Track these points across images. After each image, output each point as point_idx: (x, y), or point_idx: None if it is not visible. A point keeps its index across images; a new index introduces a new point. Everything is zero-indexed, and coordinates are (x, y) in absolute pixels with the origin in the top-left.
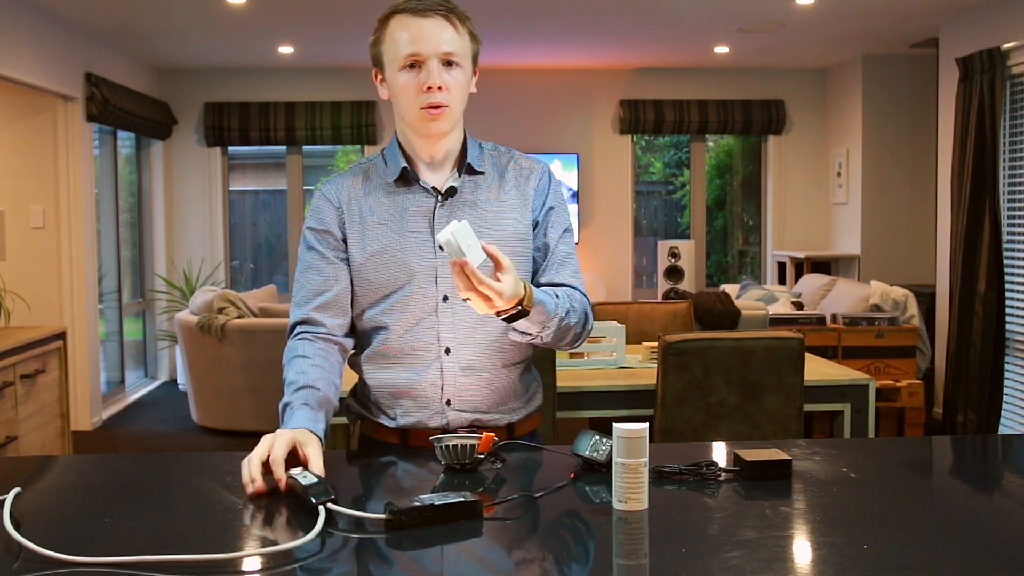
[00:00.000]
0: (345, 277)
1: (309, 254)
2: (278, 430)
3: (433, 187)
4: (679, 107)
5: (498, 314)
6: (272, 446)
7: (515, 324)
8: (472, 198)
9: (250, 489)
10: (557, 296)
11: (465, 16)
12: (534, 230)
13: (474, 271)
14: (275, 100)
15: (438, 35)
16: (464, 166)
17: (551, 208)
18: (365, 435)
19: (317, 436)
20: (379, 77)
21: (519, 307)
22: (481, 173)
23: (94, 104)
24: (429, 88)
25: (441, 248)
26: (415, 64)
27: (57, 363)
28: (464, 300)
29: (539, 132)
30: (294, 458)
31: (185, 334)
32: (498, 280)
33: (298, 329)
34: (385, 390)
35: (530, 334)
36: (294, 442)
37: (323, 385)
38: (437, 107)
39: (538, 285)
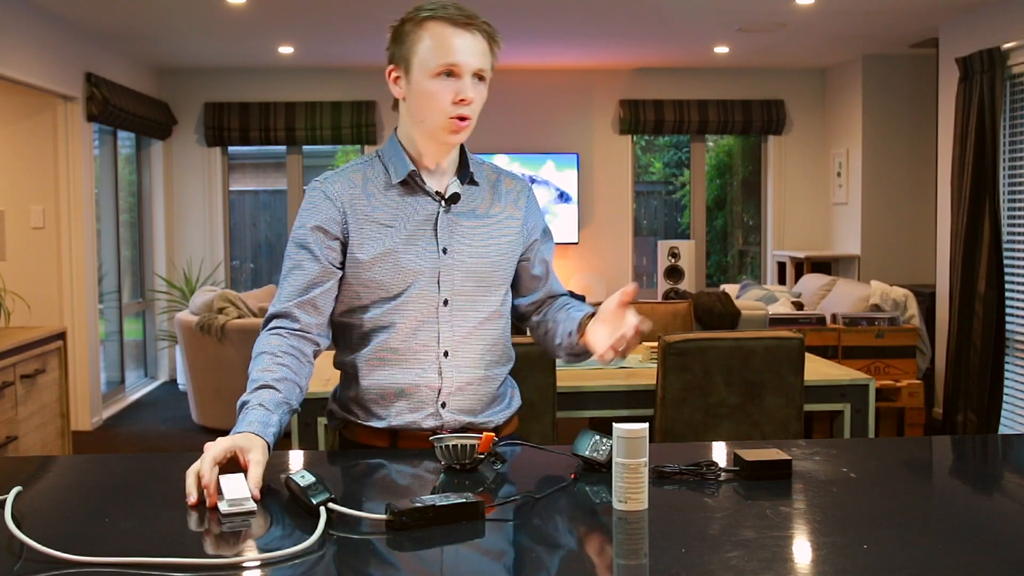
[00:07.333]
0: (331, 280)
1: (300, 253)
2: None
3: (437, 192)
4: (679, 107)
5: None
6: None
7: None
8: (471, 206)
9: (190, 501)
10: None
11: (499, 38)
12: (529, 245)
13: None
14: (275, 100)
15: (478, 50)
16: (466, 175)
17: (544, 228)
18: (348, 439)
19: (265, 440)
20: (394, 76)
21: None
22: (477, 184)
23: (94, 104)
24: (463, 100)
25: (444, 251)
26: (451, 73)
27: (57, 363)
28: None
29: (539, 132)
30: (236, 465)
31: (185, 334)
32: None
33: (273, 323)
34: (380, 391)
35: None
36: (234, 448)
37: (284, 387)
38: (464, 119)
39: (536, 297)
